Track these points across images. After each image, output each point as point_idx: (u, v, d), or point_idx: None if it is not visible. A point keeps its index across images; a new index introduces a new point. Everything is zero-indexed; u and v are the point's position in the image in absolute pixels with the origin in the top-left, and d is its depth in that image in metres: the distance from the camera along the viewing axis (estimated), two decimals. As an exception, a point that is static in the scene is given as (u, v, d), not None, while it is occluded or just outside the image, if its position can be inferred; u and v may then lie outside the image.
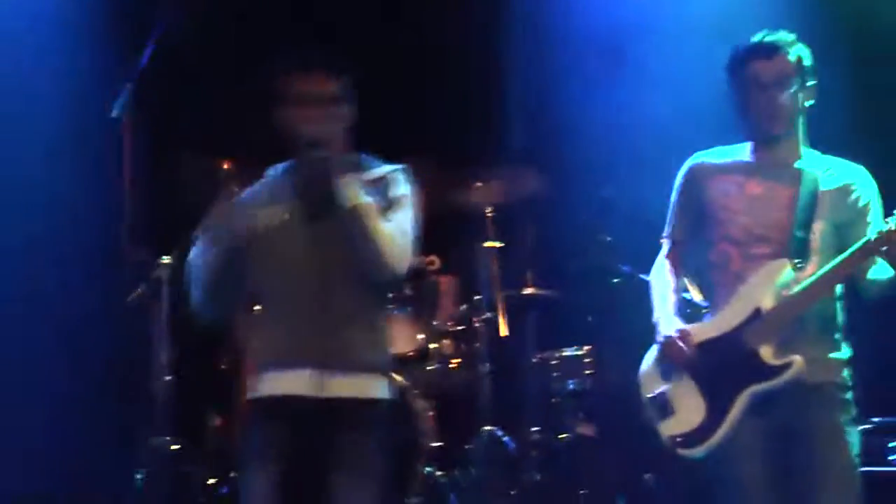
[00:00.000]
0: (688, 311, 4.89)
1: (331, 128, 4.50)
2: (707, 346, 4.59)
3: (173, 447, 6.24)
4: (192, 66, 7.02)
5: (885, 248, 4.32)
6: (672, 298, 4.77)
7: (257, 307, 4.71)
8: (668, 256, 4.88)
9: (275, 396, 4.50)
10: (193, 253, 4.64)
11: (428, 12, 7.86)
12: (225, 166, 6.34)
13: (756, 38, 4.60)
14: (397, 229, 4.50)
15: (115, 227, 6.01)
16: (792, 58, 4.56)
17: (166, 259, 6.34)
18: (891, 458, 5.88)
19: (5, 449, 6.89)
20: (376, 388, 4.56)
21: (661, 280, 4.84)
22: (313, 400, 4.43)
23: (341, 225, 4.43)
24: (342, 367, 4.46)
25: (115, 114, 5.91)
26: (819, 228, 4.52)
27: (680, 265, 4.85)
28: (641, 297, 5.01)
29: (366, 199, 4.43)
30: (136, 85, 5.91)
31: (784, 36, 4.61)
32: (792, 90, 4.54)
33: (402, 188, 4.62)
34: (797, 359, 4.41)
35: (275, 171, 4.73)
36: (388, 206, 4.54)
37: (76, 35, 7.26)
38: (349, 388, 4.47)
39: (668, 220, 4.88)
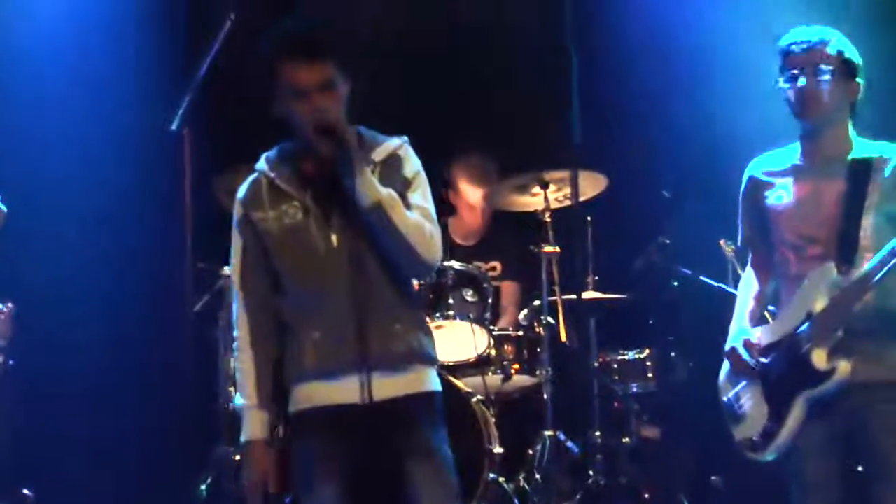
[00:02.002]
0: (762, 313, 4.90)
1: (336, 112, 4.25)
2: (769, 351, 4.63)
3: (237, 457, 6.26)
4: (250, 78, 7.05)
5: None
6: (750, 305, 4.83)
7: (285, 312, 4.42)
8: (753, 263, 4.92)
9: (323, 407, 4.26)
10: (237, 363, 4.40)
11: (490, 10, 7.87)
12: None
13: (799, 33, 4.64)
14: (422, 216, 4.29)
15: (178, 239, 6.06)
16: (830, 50, 4.57)
17: (228, 269, 6.37)
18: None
19: (73, 460, 6.97)
20: (425, 381, 4.35)
21: (745, 286, 4.91)
22: (364, 407, 4.21)
23: (364, 219, 4.22)
24: (387, 368, 4.25)
25: (174, 126, 5.96)
26: (869, 222, 4.50)
27: (766, 270, 4.86)
28: (702, 298, 5.01)
29: (386, 192, 4.20)
30: (195, 97, 5.96)
31: (826, 30, 4.63)
32: (827, 79, 4.53)
33: (414, 164, 4.40)
34: (843, 364, 4.40)
35: (266, 161, 4.44)
36: (405, 186, 4.33)
37: (139, 47, 7.32)
38: (398, 388, 4.26)
39: (739, 229, 4.91)
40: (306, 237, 4.27)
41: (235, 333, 4.39)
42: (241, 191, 4.43)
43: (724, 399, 4.81)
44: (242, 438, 4.34)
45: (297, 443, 4.33)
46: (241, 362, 4.37)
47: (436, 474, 4.27)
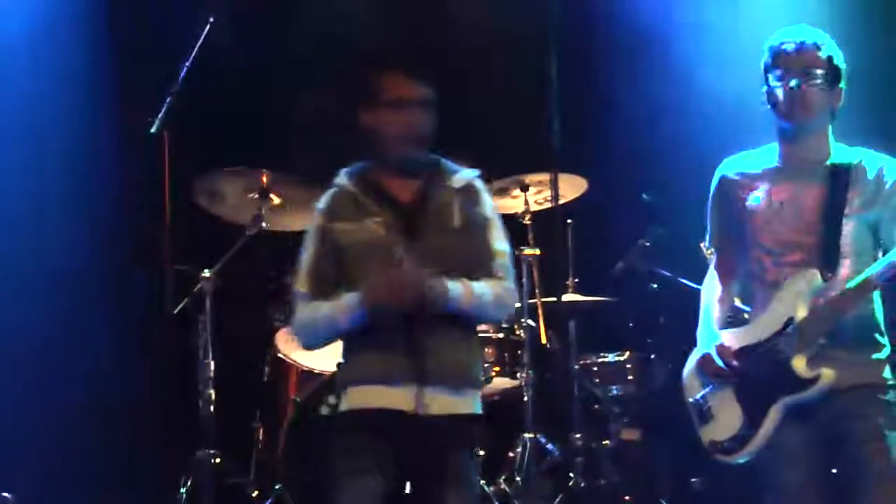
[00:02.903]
0: (729, 316, 4.89)
1: (423, 134, 4.47)
2: (743, 355, 4.60)
3: (217, 460, 6.26)
4: (230, 80, 7.04)
5: None
6: (716, 309, 4.80)
7: None
8: (717, 266, 4.88)
9: (377, 410, 4.37)
10: (314, 317, 4.50)
11: (471, 11, 7.87)
12: (263, 178, 6.42)
13: (790, 33, 4.60)
14: (502, 267, 4.49)
15: (157, 241, 6.05)
16: (822, 54, 4.55)
17: (207, 272, 6.37)
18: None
19: (52, 463, 6.94)
20: (472, 404, 4.49)
21: (709, 291, 4.87)
22: (414, 416, 4.33)
23: (445, 243, 4.41)
24: (442, 384, 4.37)
25: (154, 129, 5.95)
26: (849, 228, 4.49)
27: (730, 273, 4.84)
28: (682, 301, 5.01)
29: (456, 293, 4.35)
30: (175, 100, 5.95)
31: (818, 32, 4.61)
32: (818, 83, 4.52)
33: (490, 200, 4.60)
34: (827, 371, 4.38)
35: (347, 176, 4.57)
36: (485, 224, 4.51)
37: (115, 51, 7.29)
38: (449, 406, 4.39)
39: (707, 230, 4.88)
40: (384, 252, 4.36)
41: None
42: (322, 202, 4.54)
43: (692, 399, 4.76)
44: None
45: (342, 438, 4.44)
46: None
47: (465, 497, 4.42)
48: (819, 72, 4.52)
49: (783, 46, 4.57)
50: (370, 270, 4.36)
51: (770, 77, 4.60)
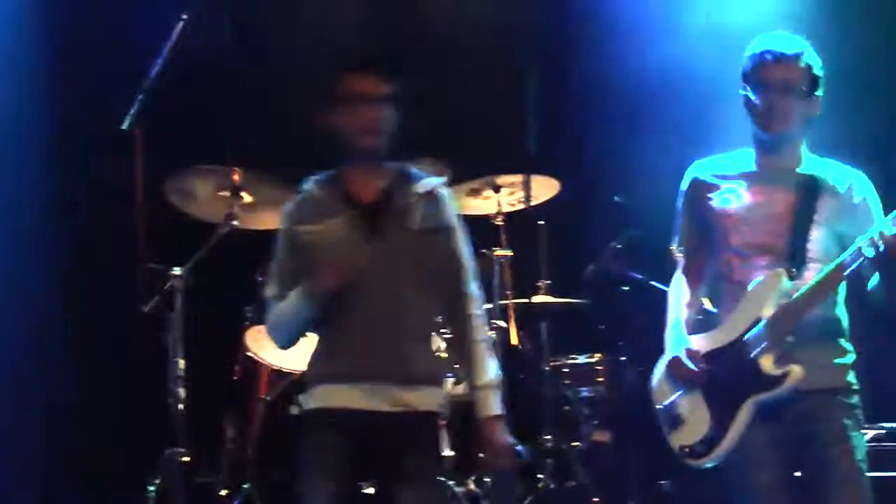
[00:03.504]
0: (699, 318, 4.89)
1: (381, 128, 4.53)
2: (712, 357, 4.61)
3: (186, 458, 6.24)
4: (202, 77, 7.02)
5: (873, 254, 4.29)
6: (684, 313, 4.81)
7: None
8: (684, 268, 4.89)
9: (333, 408, 4.50)
10: (277, 314, 4.61)
11: (446, 12, 7.87)
12: (235, 177, 6.40)
13: (770, 41, 4.61)
14: (477, 303, 4.64)
15: (129, 239, 6.02)
16: (801, 64, 4.56)
17: (178, 270, 6.35)
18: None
19: (18, 459, 6.91)
20: (434, 400, 4.59)
21: (676, 293, 4.88)
22: (374, 414, 4.45)
23: (406, 243, 4.51)
24: (403, 381, 4.48)
25: (125, 126, 5.93)
26: (817, 236, 4.52)
27: (697, 276, 4.85)
28: (653, 303, 5.01)
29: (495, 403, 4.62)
30: (147, 97, 5.93)
31: (797, 41, 4.61)
32: (797, 97, 4.54)
33: (453, 208, 4.68)
34: (795, 368, 4.40)
35: (314, 182, 4.67)
36: (449, 232, 4.60)
37: (85, 48, 7.26)
38: (409, 402, 4.49)
39: (677, 232, 4.89)
40: (346, 254, 4.46)
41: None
42: (288, 207, 4.66)
43: (660, 406, 4.77)
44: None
45: (306, 437, 4.53)
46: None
47: (425, 492, 4.51)
48: (798, 84, 4.54)
49: (764, 57, 4.57)
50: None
51: (749, 86, 4.60)
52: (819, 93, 4.61)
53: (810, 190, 4.56)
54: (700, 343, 4.67)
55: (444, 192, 4.67)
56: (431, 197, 4.61)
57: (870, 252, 4.28)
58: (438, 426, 4.65)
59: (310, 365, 4.66)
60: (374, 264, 4.45)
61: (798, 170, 4.61)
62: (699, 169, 4.79)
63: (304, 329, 4.62)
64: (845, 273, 4.38)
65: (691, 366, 4.62)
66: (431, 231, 4.55)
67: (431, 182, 4.65)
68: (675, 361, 4.68)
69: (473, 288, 4.64)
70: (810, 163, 4.64)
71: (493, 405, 4.57)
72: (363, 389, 4.46)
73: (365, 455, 4.46)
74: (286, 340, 4.70)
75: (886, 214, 4.40)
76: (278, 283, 4.59)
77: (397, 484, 4.46)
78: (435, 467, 4.64)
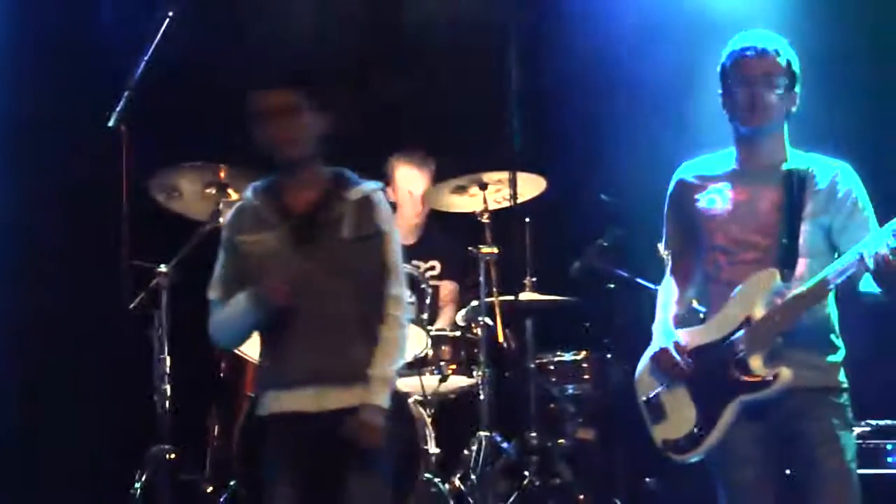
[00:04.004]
0: (688, 315, 4.91)
1: (294, 136, 4.60)
2: (699, 353, 4.61)
3: (172, 455, 6.24)
4: (188, 75, 7.01)
5: (874, 267, 4.29)
6: (673, 308, 4.81)
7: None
8: (672, 270, 4.89)
9: (279, 414, 4.61)
10: (223, 318, 4.72)
11: (430, 13, 7.86)
12: (221, 173, 6.40)
13: (749, 38, 4.63)
14: (400, 307, 4.66)
15: (114, 236, 6.02)
16: (781, 60, 4.58)
17: (164, 267, 6.35)
18: (889, 460, 5.88)
19: (5, 457, 6.90)
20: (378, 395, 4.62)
21: (665, 291, 4.88)
22: (316, 415, 4.54)
23: (338, 253, 4.59)
24: (343, 382, 4.55)
25: (111, 123, 5.92)
26: (806, 230, 4.52)
27: (686, 276, 4.86)
28: (639, 300, 5.02)
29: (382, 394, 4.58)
30: (133, 94, 5.92)
31: (776, 38, 4.64)
32: (778, 91, 4.56)
33: (388, 214, 4.74)
34: (784, 371, 4.40)
35: (254, 190, 4.77)
36: (380, 238, 4.66)
37: (73, 44, 7.25)
38: (350, 399, 4.55)
39: (664, 233, 4.90)
40: (281, 264, 4.58)
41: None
42: (229, 216, 4.80)
43: (644, 398, 4.77)
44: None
45: (264, 445, 4.69)
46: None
47: (370, 488, 4.58)
48: (779, 78, 4.56)
49: (745, 52, 4.59)
50: (265, 279, 4.58)
51: (729, 82, 4.62)
52: (798, 89, 4.63)
53: (795, 185, 4.56)
54: (688, 338, 4.67)
55: (378, 197, 4.73)
56: (365, 203, 4.67)
57: (871, 263, 4.29)
58: (386, 422, 4.63)
59: (257, 372, 4.84)
60: (307, 275, 4.56)
61: (782, 166, 4.62)
62: (685, 171, 4.80)
63: (250, 332, 4.77)
64: (840, 279, 4.38)
65: (678, 358, 4.62)
66: (363, 238, 4.63)
67: (366, 188, 4.71)
68: (662, 353, 4.68)
69: (399, 291, 4.69)
70: (794, 158, 4.64)
71: (379, 396, 4.57)
72: (307, 393, 4.55)
73: (316, 456, 4.55)
74: (231, 342, 4.99)
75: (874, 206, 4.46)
76: (221, 287, 4.72)
77: (344, 481, 4.53)
78: (379, 464, 4.62)
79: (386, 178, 7.28)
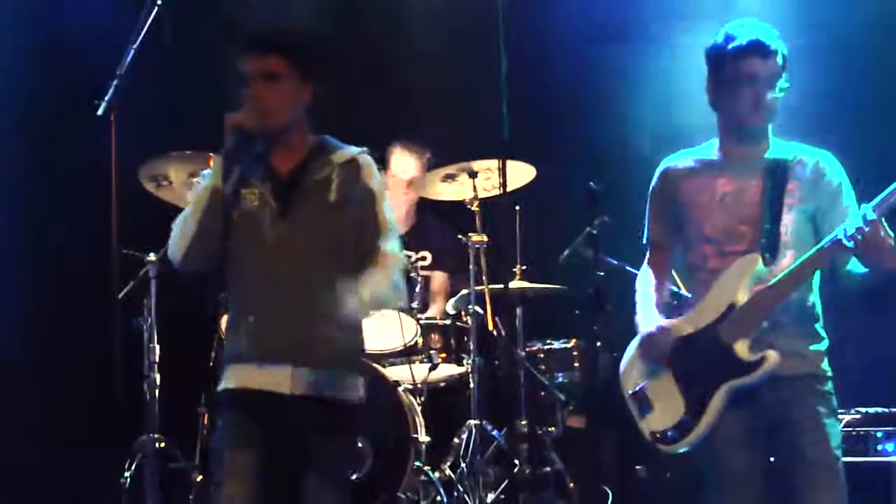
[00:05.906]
0: (674, 302, 4.90)
1: (277, 104, 4.48)
2: (685, 342, 4.61)
3: (161, 444, 6.25)
4: (176, 62, 6.99)
5: (853, 245, 4.30)
6: (654, 297, 4.80)
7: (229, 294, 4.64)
8: (650, 261, 4.90)
9: (248, 389, 4.45)
10: (179, 220, 4.59)
11: (421, 2, 7.87)
12: (210, 161, 6.38)
13: (749, 30, 4.57)
14: (394, 259, 4.55)
15: (104, 225, 6.01)
16: (780, 59, 4.55)
17: (153, 256, 6.35)
18: (878, 447, 5.90)
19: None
20: (350, 388, 4.53)
21: (644, 282, 4.87)
22: (288, 397, 4.40)
23: (320, 217, 4.47)
24: (317, 365, 4.43)
25: (100, 111, 5.91)
26: (789, 219, 4.52)
27: (665, 268, 4.88)
28: (629, 289, 5.02)
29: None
30: (122, 82, 5.91)
31: (773, 32, 4.60)
32: (778, 91, 4.55)
33: (377, 175, 4.62)
34: (771, 353, 4.41)
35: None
36: (371, 198, 4.54)
37: (61, 32, 7.24)
38: (323, 388, 4.43)
39: (645, 226, 4.89)
40: (258, 226, 4.45)
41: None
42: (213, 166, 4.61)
43: (629, 392, 4.77)
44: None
45: (222, 417, 4.52)
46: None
47: (327, 484, 4.44)
48: (779, 79, 4.54)
49: (750, 52, 4.52)
50: (242, 241, 4.45)
51: (729, 76, 4.55)
52: (786, 82, 4.60)
53: (778, 174, 4.56)
54: (673, 326, 4.66)
55: (364, 159, 4.60)
56: (351, 165, 4.56)
57: (850, 243, 4.29)
58: (348, 415, 4.53)
59: (226, 342, 4.62)
60: (284, 240, 4.45)
61: (765, 155, 4.61)
62: (668, 164, 4.79)
63: (200, 238, 4.47)
64: (822, 261, 4.39)
65: (663, 342, 4.62)
66: (349, 201, 4.50)
67: (351, 151, 4.60)
68: (648, 338, 4.68)
69: (391, 246, 4.56)
70: (776, 147, 4.64)
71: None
72: (268, 371, 4.41)
73: (273, 437, 4.40)
74: (181, 248, 4.55)
75: (856, 193, 4.47)
76: None
77: (302, 469, 4.42)
78: (340, 459, 4.55)
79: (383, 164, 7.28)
